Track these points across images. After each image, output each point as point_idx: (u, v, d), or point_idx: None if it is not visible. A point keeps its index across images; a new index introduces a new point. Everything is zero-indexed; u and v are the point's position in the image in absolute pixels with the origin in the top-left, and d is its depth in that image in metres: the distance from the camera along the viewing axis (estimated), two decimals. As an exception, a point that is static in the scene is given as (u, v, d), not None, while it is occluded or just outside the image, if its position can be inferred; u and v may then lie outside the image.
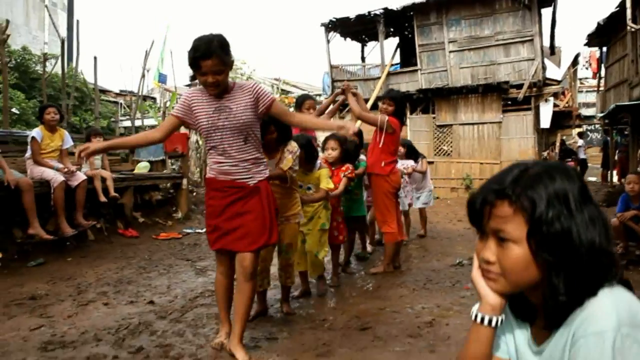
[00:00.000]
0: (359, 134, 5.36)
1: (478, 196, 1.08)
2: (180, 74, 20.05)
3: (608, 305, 0.95)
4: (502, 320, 1.13)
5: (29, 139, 5.75)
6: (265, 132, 3.14)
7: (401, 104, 4.81)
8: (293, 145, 3.45)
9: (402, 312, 3.63)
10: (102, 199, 6.25)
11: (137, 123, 14.99)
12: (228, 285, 3.01)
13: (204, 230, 7.73)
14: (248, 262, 2.83)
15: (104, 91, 21.02)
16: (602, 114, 14.19)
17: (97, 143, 2.91)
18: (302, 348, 2.95)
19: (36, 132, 5.72)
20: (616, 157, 14.75)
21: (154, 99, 24.00)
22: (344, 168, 4.37)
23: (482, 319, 1.12)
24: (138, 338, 3.18)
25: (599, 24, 13.14)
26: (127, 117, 19.49)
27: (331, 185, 3.97)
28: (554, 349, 1.04)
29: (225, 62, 2.71)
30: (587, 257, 0.98)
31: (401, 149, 6.41)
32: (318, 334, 3.20)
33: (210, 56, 2.64)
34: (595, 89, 17.49)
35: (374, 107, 11.84)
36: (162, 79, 17.52)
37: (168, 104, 16.85)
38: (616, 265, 1.02)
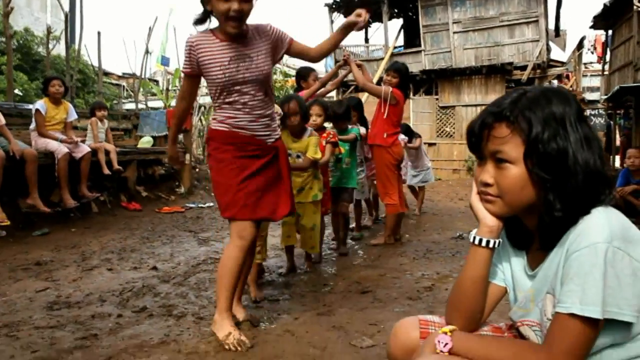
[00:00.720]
0: (359, 104, 5.31)
1: (477, 120, 1.11)
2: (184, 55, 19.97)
3: (601, 220, 0.98)
4: (499, 242, 1.16)
5: (32, 111, 5.78)
6: None
7: (406, 77, 4.80)
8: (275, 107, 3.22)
9: (402, 278, 3.68)
10: (106, 171, 6.30)
11: (141, 105, 14.99)
12: (244, 263, 2.52)
13: (207, 204, 7.82)
14: (249, 233, 2.47)
15: (106, 73, 20.99)
16: (606, 97, 14.13)
17: (173, 149, 2.83)
18: (303, 308, 2.99)
19: (40, 104, 5.75)
20: (618, 141, 14.71)
21: (156, 81, 23.96)
22: (324, 134, 3.98)
23: (480, 241, 1.15)
24: (142, 299, 3.23)
25: (605, 5, 13.03)
26: (130, 99, 19.50)
27: (318, 155, 3.59)
28: (548, 268, 1.08)
29: None
30: (582, 176, 1.01)
31: None
32: (319, 296, 3.25)
33: None
34: (600, 73, 17.40)
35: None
36: (164, 61, 17.50)
37: (171, 86, 16.85)
38: (610, 187, 1.05)
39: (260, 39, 2.45)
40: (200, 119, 14.38)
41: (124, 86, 23.03)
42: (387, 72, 4.85)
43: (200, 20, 2.43)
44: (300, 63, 4.16)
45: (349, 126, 4.74)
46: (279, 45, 2.52)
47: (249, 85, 2.40)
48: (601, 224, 0.97)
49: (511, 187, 1.07)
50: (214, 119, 2.53)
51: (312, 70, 4.78)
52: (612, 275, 0.93)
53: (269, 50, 2.46)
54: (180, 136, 10.32)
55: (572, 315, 0.95)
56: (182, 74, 2.55)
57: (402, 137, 6.18)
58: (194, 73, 2.46)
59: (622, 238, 0.96)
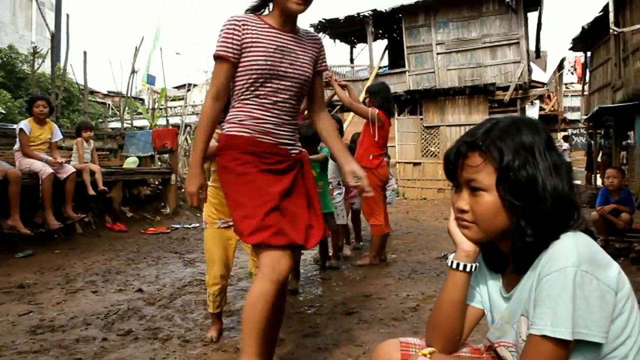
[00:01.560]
0: (339, 122, 5.20)
1: (453, 149, 1.17)
2: (170, 74, 20.05)
3: (570, 245, 1.03)
4: (476, 266, 1.21)
5: (17, 131, 5.76)
6: None
7: (380, 96, 4.80)
8: None
9: (387, 298, 3.71)
10: (91, 192, 6.27)
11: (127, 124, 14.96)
12: (279, 301, 2.06)
13: (192, 225, 7.80)
14: (285, 265, 1.97)
15: (91, 92, 20.92)
16: (586, 117, 14.45)
17: (202, 177, 2.03)
18: (289, 330, 3.00)
19: (24, 124, 5.72)
20: (599, 160, 15.01)
21: (142, 100, 23.94)
22: None
23: (458, 265, 1.20)
24: (127, 322, 3.22)
25: (583, 28, 13.42)
26: (115, 117, 19.44)
27: None
28: (522, 291, 1.12)
29: None
30: (551, 202, 1.06)
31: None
32: (305, 318, 3.26)
33: None
34: (580, 93, 17.79)
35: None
36: (150, 80, 17.54)
37: (157, 105, 16.87)
38: (579, 212, 1.10)
39: (309, 43, 2.15)
40: (186, 139, 14.38)
41: (109, 104, 22.96)
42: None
43: (257, 8, 2.10)
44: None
45: (319, 147, 4.42)
46: (319, 60, 2.22)
47: (288, 81, 2.05)
48: (569, 249, 1.02)
49: (485, 214, 1.12)
50: (228, 121, 2.08)
51: None
52: (581, 297, 0.98)
53: (313, 58, 2.16)
54: (166, 155, 10.33)
55: (544, 336, 0.99)
56: (216, 61, 2.02)
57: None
58: (235, 58, 1.99)
59: (590, 262, 1.01)
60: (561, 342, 0.98)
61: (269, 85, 2.02)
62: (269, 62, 1.98)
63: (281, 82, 2.03)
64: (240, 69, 2.01)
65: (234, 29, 1.97)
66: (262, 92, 2.02)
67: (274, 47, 2.00)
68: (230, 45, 1.97)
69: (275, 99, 2.04)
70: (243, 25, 1.99)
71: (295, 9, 1.95)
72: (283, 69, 2.02)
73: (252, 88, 2.01)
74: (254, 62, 1.98)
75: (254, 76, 1.99)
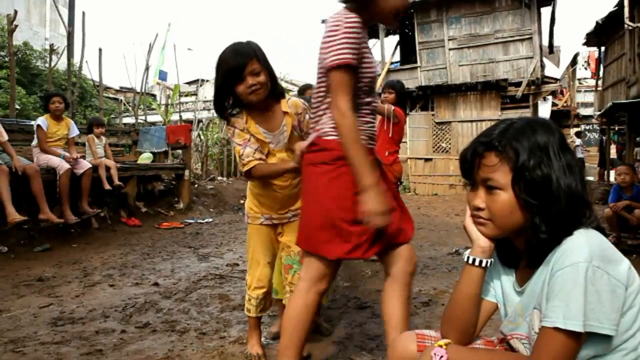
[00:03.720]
0: None
1: (469, 149, 1.21)
2: (182, 69, 20.11)
3: (582, 241, 1.07)
4: (491, 262, 1.25)
5: (34, 127, 5.87)
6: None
7: (401, 93, 4.89)
8: (297, 104, 2.34)
9: (399, 293, 3.74)
10: (107, 186, 6.37)
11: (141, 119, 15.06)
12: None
13: (205, 220, 7.89)
14: (412, 252, 1.96)
15: (105, 88, 21.06)
16: (599, 113, 14.32)
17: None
18: (303, 323, 3.05)
19: (41, 120, 5.83)
20: (614, 154, 14.89)
21: (154, 95, 24.10)
22: None
23: (474, 261, 1.24)
24: (144, 315, 3.29)
25: (597, 23, 13.28)
26: (127, 113, 19.59)
27: None
28: (535, 285, 1.16)
29: None
30: (564, 200, 1.10)
31: None
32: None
33: None
34: (594, 88, 17.63)
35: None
36: (162, 76, 17.65)
37: (170, 101, 16.98)
38: (591, 210, 1.14)
39: None
40: (199, 135, 14.47)
41: (121, 100, 23.13)
42: (383, 89, 4.97)
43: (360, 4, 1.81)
44: (304, 79, 4.23)
45: None
46: None
47: (374, 82, 1.91)
48: (582, 245, 1.06)
49: (501, 212, 1.16)
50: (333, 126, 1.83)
51: (310, 86, 4.88)
52: (592, 292, 1.01)
53: None
54: (179, 151, 10.42)
55: (557, 329, 1.03)
56: (343, 69, 1.72)
57: None
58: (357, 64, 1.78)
59: (601, 258, 1.04)
60: (573, 334, 1.02)
61: (371, 90, 1.89)
62: (373, 69, 1.86)
63: (373, 83, 1.90)
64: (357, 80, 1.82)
65: (359, 33, 1.74)
66: (369, 99, 1.89)
67: (368, 48, 1.87)
68: (357, 52, 1.74)
69: (375, 103, 1.94)
70: (360, 32, 1.76)
71: (391, 27, 1.78)
72: (375, 69, 1.92)
73: (363, 96, 1.85)
74: (371, 68, 1.84)
75: (369, 82, 1.85)
